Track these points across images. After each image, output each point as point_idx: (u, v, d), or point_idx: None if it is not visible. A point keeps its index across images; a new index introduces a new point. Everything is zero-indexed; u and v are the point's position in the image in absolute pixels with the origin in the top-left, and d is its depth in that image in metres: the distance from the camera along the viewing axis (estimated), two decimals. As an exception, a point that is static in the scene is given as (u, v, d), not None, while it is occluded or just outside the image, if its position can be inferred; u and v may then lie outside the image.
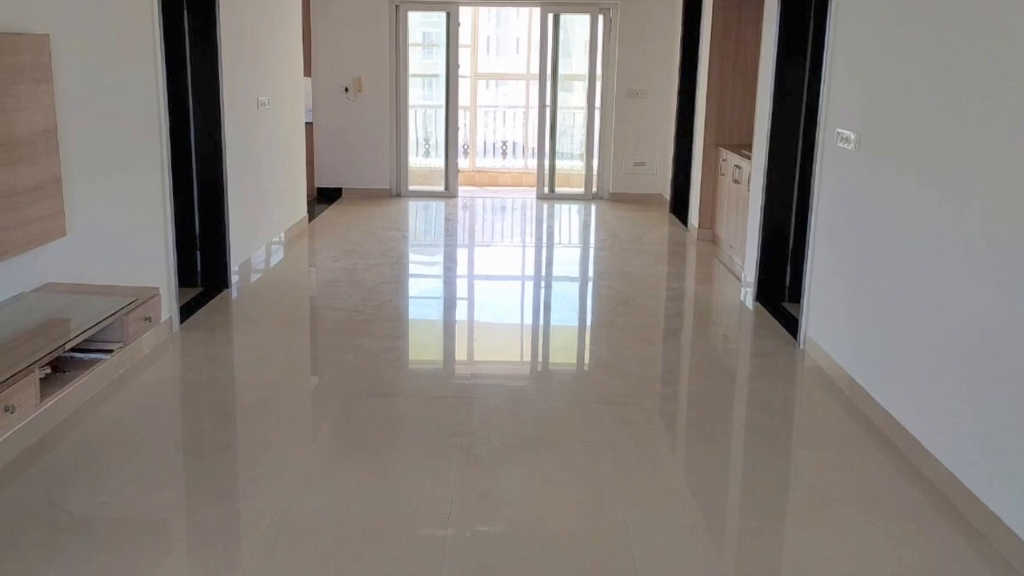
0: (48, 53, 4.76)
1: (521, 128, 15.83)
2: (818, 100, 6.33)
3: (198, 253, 7.77)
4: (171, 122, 6.65)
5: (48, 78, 4.76)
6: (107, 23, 5.63)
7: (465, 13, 14.95)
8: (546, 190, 13.35)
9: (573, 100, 13.77)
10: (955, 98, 4.48)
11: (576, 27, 13.39)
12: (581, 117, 13.50)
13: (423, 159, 14.09)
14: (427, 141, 14.08)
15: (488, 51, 16.51)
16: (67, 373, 4.26)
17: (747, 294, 7.75)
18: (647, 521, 4.13)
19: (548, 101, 13.14)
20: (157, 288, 4.92)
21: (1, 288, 4.53)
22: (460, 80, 13.39)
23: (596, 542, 3.96)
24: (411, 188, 13.30)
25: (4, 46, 4.36)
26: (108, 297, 4.70)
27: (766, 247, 7.50)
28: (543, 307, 8.13)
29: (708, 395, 5.84)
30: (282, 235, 9.82)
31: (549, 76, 13.05)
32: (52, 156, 4.81)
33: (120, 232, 5.80)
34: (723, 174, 9.53)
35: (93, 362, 4.41)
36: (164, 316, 6.34)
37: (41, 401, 3.89)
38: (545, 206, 12.89)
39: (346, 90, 12.81)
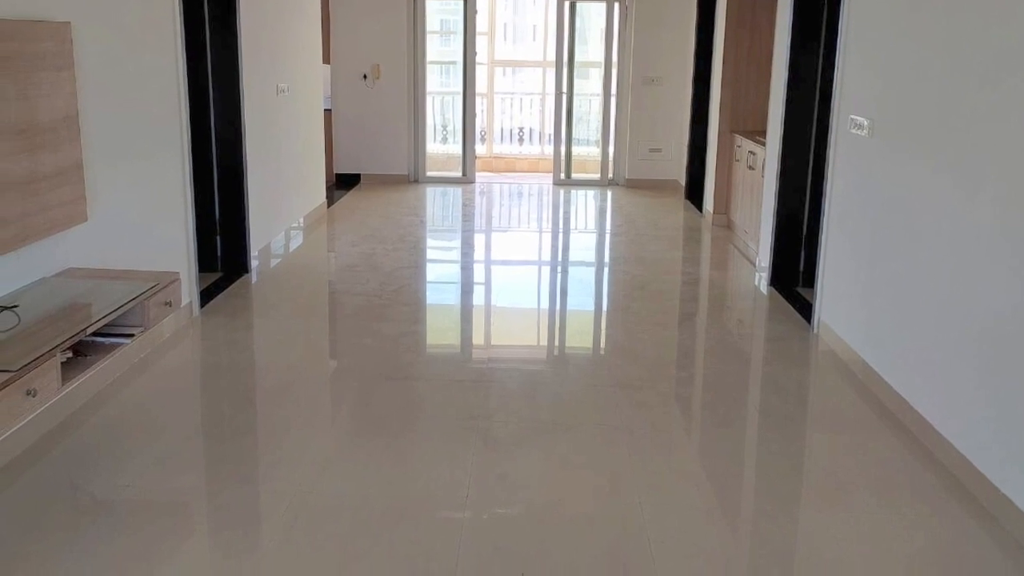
0: (70, 41, 4.81)
1: (538, 115, 15.85)
2: (832, 87, 6.35)
3: (218, 238, 7.83)
4: (191, 108, 6.69)
5: (70, 65, 4.81)
6: (128, 10, 5.67)
7: (482, 0, 14.96)
8: (562, 176, 13.38)
9: (589, 87, 13.78)
10: (968, 85, 4.49)
11: (592, 14, 13.41)
12: (597, 104, 13.51)
13: (441, 145, 14.11)
14: (444, 127, 14.09)
15: (505, 38, 16.52)
16: (88, 357, 4.30)
17: (761, 279, 7.77)
18: (663, 504, 4.17)
19: (564, 88, 13.17)
20: (177, 273, 4.97)
21: (23, 273, 4.58)
22: (477, 67, 13.40)
23: (612, 525, 4.00)
24: (429, 174, 13.33)
25: (26, 34, 4.41)
26: (129, 282, 4.75)
27: (780, 232, 7.52)
28: (559, 292, 8.17)
29: (723, 379, 5.87)
30: (301, 220, 9.87)
31: (565, 63, 13.08)
32: (74, 142, 4.86)
33: (141, 218, 5.86)
34: (738, 160, 9.55)
35: (114, 346, 4.47)
36: (184, 301, 6.39)
37: (63, 385, 3.94)
38: (561, 192, 12.92)
39: (364, 77, 12.85)
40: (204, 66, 7.45)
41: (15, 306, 4.25)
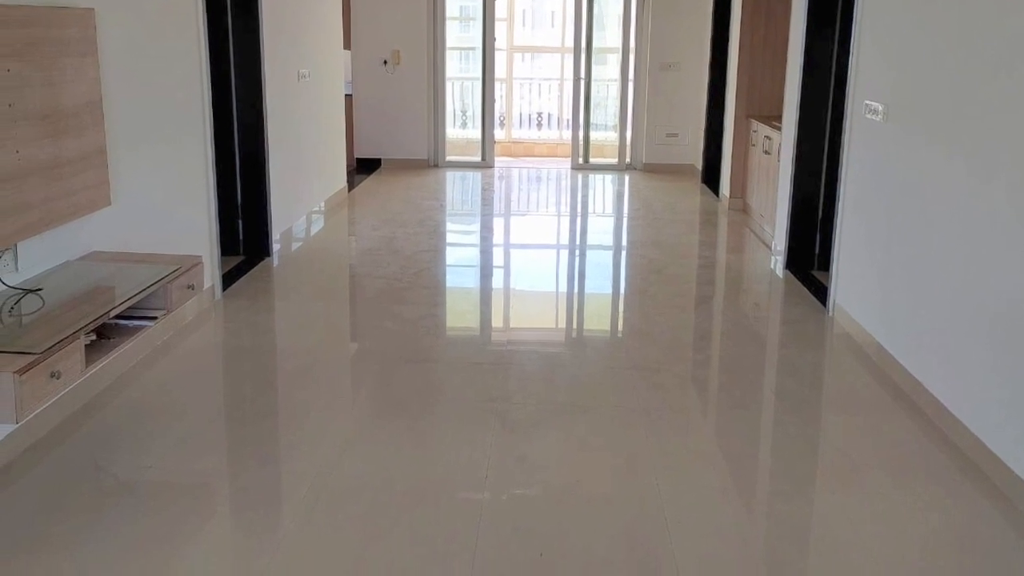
0: (94, 27, 4.86)
1: (556, 100, 15.86)
2: (847, 72, 6.36)
3: (240, 222, 7.89)
4: (213, 94, 6.75)
5: (93, 51, 4.86)
6: (150, -3, 5.73)
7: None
8: (580, 161, 13.42)
9: (607, 72, 13.81)
10: (982, 71, 4.51)
11: (610, 1, 13.42)
12: (615, 89, 13.53)
13: (460, 130, 14.16)
14: (464, 113, 14.14)
15: (524, 24, 16.52)
16: (112, 340, 4.35)
17: (777, 262, 7.79)
18: (680, 485, 4.21)
19: (582, 74, 13.20)
20: (200, 257, 5.02)
21: (47, 256, 4.64)
22: (496, 53, 13.42)
23: (630, 505, 4.04)
24: (448, 159, 13.38)
25: (51, 20, 4.47)
26: (152, 265, 4.81)
27: (795, 216, 7.54)
28: (577, 275, 8.20)
29: (739, 361, 5.90)
30: (322, 204, 9.93)
31: (583, 49, 13.11)
32: (97, 127, 4.91)
33: (164, 202, 5.91)
34: (754, 145, 9.56)
35: (137, 329, 4.52)
36: (207, 284, 6.45)
37: (86, 367, 3.99)
38: (579, 176, 12.95)
39: (384, 63, 12.89)
40: (226, 51, 7.51)
41: (39, 289, 4.31)
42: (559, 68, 15.99)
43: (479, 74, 13.27)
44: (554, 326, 6.85)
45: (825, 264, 7.01)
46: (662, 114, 12.95)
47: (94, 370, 4.63)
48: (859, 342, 5.95)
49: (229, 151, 7.63)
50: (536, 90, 16.05)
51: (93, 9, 4.86)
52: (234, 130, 7.66)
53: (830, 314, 6.50)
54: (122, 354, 5.22)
